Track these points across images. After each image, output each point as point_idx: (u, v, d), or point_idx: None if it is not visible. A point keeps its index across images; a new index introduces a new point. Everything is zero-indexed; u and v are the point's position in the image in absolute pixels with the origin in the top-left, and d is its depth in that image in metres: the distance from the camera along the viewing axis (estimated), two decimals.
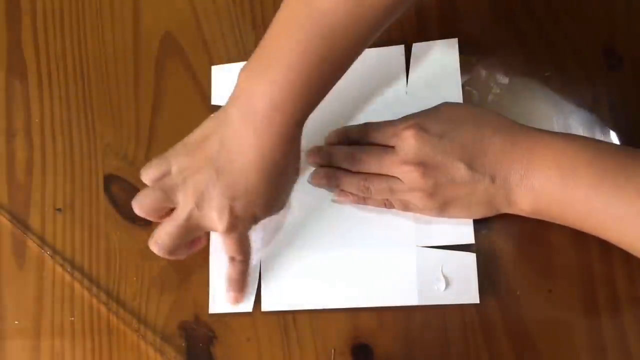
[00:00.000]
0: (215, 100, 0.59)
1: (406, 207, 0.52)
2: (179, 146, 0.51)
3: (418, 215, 0.53)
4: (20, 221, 0.60)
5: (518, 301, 0.51)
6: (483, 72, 0.55)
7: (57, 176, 0.61)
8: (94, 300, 0.57)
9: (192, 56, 0.61)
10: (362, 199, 0.54)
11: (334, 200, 0.55)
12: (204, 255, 0.56)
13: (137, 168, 0.59)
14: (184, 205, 0.49)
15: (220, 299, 0.55)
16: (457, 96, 0.55)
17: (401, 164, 0.50)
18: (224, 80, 0.59)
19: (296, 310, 0.54)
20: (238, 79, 0.48)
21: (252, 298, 0.55)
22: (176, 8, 0.62)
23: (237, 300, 0.54)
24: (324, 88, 0.48)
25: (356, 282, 0.53)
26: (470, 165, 0.49)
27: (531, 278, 0.51)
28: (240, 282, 0.54)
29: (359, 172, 0.53)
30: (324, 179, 0.54)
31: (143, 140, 0.60)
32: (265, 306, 0.54)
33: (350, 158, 0.53)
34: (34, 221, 0.60)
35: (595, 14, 0.55)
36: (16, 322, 0.58)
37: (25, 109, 0.63)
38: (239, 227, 0.50)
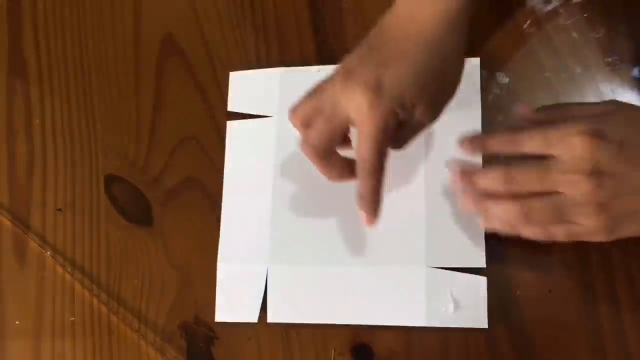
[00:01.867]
0: (232, 106, 0.59)
1: (570, 233, 0.45)
2: (332, 74, 0.47)
3: (430, 234, 0.52)
4: (21, 221, 0.60)
5: (518, 301, 0.51)
6: (483, 72, 0.56)
7: (57, 176, 0.61)
8: (95, 300, 0.58)
9: (193, 57, 0.61)
10: (515, 227, 0.46)
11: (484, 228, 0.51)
12: (204, 254, 0.57)
13: (137, 168, 0.59)
14: (330, 95, 0.46)
15: (226, 307, 0.55)
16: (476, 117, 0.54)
17: (570, 173, 0.43)
18: (242, 86, 0.59)
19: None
20: None
21: (258, 308, 0.54)
22: (176, 9, 0.62)
23: (370, 221, 0.47)
24: None
25: (363, 299, 0.53)
26: None
27: (531, 278, 0.51)
28: (371, 198, 0.46)
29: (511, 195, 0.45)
30: (472, 205, 0.47)
31: (144, 141, 0.60)
32: (271, 317, 0.54)
33: (502, 179, 0.45)
34: (35, 221, 0.60)
35: (595, 14, 0.55)
36: (17, 322, 0.58)
37: (26, 110, 0.63)
38: (383, 104, 0.44)
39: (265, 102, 0.58)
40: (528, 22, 0.56)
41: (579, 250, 0.51)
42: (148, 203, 0.59)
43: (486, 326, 0.50)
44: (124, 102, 0.61)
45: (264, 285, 0.55)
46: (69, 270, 0.58)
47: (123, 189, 0.60)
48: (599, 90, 0.54)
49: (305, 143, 0.47)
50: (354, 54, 0.47)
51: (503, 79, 0.55)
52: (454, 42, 0.46)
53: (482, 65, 0.55)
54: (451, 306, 0.51)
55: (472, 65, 0.55)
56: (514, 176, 0.45)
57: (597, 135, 0.43)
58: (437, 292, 0.51)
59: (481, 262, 0.51)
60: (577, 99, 0.54)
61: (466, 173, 0.47)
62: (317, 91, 0.48)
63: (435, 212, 0.53)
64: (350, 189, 0.48)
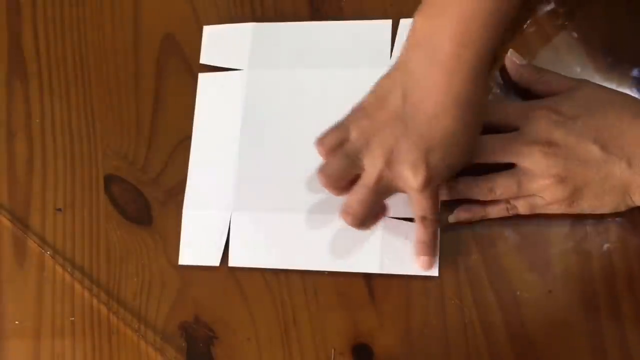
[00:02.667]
0: (204, 59, 0.61)
1: (533, 206, 0.50)
2: (355, 111, 0.49)
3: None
4: (20, 221, 0.60)
5: (518, 301, 0.51)
6: None
7: (57, 176, 0.61)
8: (94, 300, 0.57)
9: (193, 56, 0.61)
10: (483, 211, 0.51)
11: (452, 221, 0.53)
12: None
13: (137, 168, 0.59)
14: (372, 168, 0.48)
15: (189, 251, 0.57)
16: None
17: (529, 144, 0.48)
18: (215, 40, 0.61)
19: (265, 270, 0.55)
20: (413, 24, 0.47)
21: (220, 253, 0.56)
22: (176, 9, 0.62)
23: (430, 264, 0.51)
24: (510, 13, 0.45)
25: (322, 246, 0.54)
26: (605, 147, 0.46)
27: (531, 278, 0.51)
28: (433, 244, 0.51)
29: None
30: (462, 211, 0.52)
31: (143, 141, 0.60)
32: (233, 262, 0.56)
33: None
34: (34, 221, 0.60)
35: (595, 14, 0.55)
36: (16, 322, 0.58)
37: (26, 109, 0.63)
38: (435, 181, 0.48)
39: (236, 56, 0.60)
40: (528, 22, 0.56)
41: (579, 250, 0.51)
42: (148, 203, 0.59)
43: (437, 274, 0.52)
44: (124, 102, 0.61)
45: (227, 230, 0.56)
46: (68, 270, 0.58)
47: (123, 189, 0.60)
48: None
49: (321, 171, 0.50)
50: (379, 113, 0.48)
51: (498, 78, 0.55)
52: (485, 94, 0.49)
53: None
54: (404, 255, 0.52)
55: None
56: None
57: (554, 111, 0.48)
58: (393, 241, 0.53)
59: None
60: None
61: (450, 187, 0.51)
62: (344, 128, 0.50)
63: None
64: (312, 142, 0.51)
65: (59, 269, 0.59)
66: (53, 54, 0.64)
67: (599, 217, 0.51)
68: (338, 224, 0.53)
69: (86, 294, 0.58)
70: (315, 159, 0.51)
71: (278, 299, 0.55)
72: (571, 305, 0.51)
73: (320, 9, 0.60)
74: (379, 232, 0.53)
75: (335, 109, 0.51)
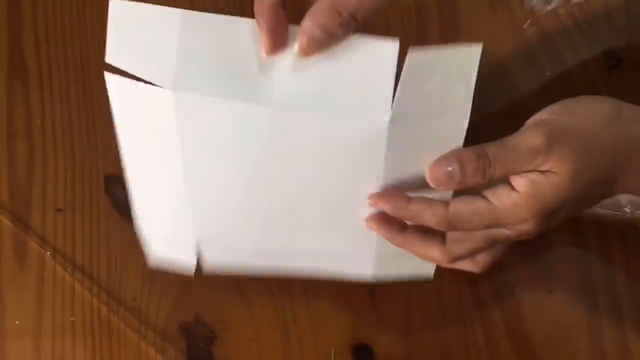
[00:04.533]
0: (111, 58, 0.45)
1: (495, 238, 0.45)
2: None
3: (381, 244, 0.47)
4: (21, 221, 0.60)
5: (518, 301, 0.51)
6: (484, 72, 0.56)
7: (58, 176, 0.61)
8: (95, 301, 0.58)
9: None
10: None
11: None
12: None
13: None
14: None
15: (158, 253, 0.52)
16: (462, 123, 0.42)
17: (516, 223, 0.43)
18: (127, 29, 0.45)
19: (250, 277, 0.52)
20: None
21: (195, 259, 0.51)
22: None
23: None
24: None
25: (309, 254, 0.49)
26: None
27: (531, 278, 0.51)
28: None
29: None
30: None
31: None
32: (208, 269, 0.51)
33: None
34: (35, 221, 0.60)
35: (595, 14, 0.55)
36: (17, 322, 0.58)
37: (26, 110, 0.63)
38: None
39: (157, 63, 0.43)
40: (528, 22, 0.56)
41: (579, 250, 0.51)
42: None
43: (431, 278, 0.48)
44: None
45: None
46: (69, 270, 0.58)
47: (123, 189, 0.59)
48: (598, 90, 0.54)
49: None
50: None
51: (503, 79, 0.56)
52: None
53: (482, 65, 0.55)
54: (398, 259, 0.47)
55: (472, 54, 0.40)
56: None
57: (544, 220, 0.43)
58: (385, 248, 0.46)
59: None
60: None
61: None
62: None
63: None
64: (278, 179, 0.45)
65: (59, 269, 0.59)
66: (53, 54, 0.64)
67: (600, 217, 0.51)
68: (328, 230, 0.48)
69: (86, 294, 0.58)
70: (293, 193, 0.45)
71: (278, 299, 0.55)
72: (571, 305, 0.51)
73: None
74: (373, 236, 0.46)
75: (310, 165, 0.43)
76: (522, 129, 0.43)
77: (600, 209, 0.52)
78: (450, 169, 0.41)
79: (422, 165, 0.42)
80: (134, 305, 0.57)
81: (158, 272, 0.57)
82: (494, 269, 0.51)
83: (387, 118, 0.40)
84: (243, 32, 0.41)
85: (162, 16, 0.42)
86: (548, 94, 0.54)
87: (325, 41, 0.40)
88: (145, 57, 0.43)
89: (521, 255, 0.52)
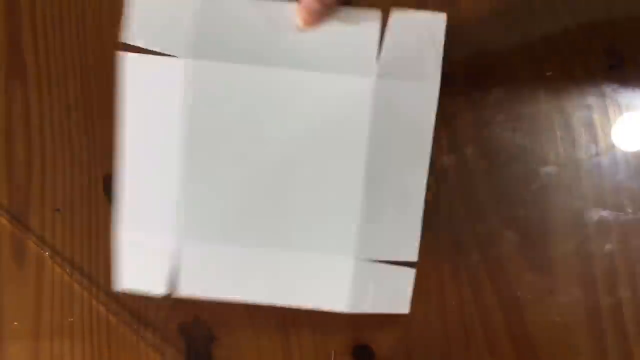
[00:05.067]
0: (128, 37, 0.48)
1: None
2: None
3: (363, 223, 0.47)
4: (19, 221, 0.60)
5: (518, 302, 0.51)
6: (484, 74, 0.56)
7: (56, 176, 0.61)
8: (94, 301, 0.57)
9: None
10: None
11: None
12: None
13: None
14: None
15: (130, 276, 0.50)
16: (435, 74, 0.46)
17: None
18: (146, 10, 0.47)
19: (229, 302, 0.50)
20: None
21: (165, 280, 0.49)
22: None
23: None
24: None
25: (283, 282, 0.48)
26: None
27: (531, 279, 0.51)
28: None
29: None
30: None
31: None
32: (183, 290, 0.49)
33: None
34: (34, 221, 0.60)
35: (596, 12, 0.55)
36: (15, 323, 0.58)
37: (25, 110, 0.63)
38: None
39: (173, 37, 0.47)
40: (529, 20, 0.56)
41: (581, 250, 0.51)
42: None
43: (407, 311, 0.48)
44: None
45: (173, 256, 0.49)
46: (67, 270, 0.58)
47: None
48: (600, 90, 0.54)
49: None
50: None
51: (504, 78, 0.55)
52: None
53: (482, 64, 0.55)
54: (375, 295, 0.48)
55: (437, 21, 0.46)
56: None
57: None
58: (363, 284, 0.48)
59: (413, 257, 0.48)
60: (578, 98, 0.54)
61: None
62: None
63: (371, 199, 0.47)
64: (275, 163, 0.47)
65: (57, 270, 0.59)
66: (52, 54, 0.64)
67: (601, 217, 0.51)
68: (305, 262, 0.48)
69: (85, 294, 0.58)
70: (280, 184, 0.47)
71: None
72: (572, 306, 0.50)
73: None
74: (348, 276, 0.48)
75: (305, 124, 0.46)
76: None
77: (602, 209, 0.52)
78: None
79: (404, 119, 0.47)
80: (133, 305, 0.57)
81: None
82: (496, 271, 0.51)
83: (374, 71, 0.46)
84: (255, 9, 0.46)
85: None
86: (549, 93, 0.54)
87: (324, 12, 0.45)
88: (162, 32, 0.46)
89: (522, 256, 0.52)
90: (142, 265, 0.50)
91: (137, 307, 0.57)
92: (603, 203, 0.52)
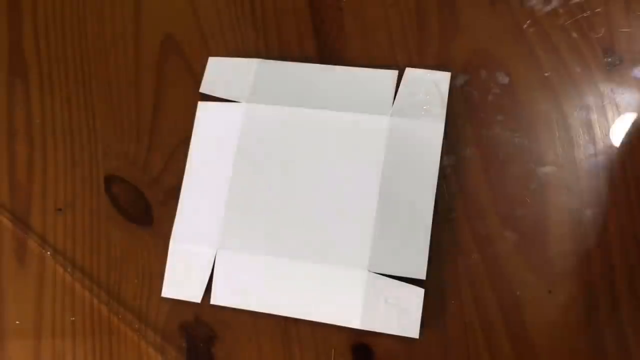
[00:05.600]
0: (204, 88, 0.60)
1: None
2: None
3: (377, 239, 0.53)
4: (21, 221, 0.60)
5: (518, 301, 0.51)
6: (483, 72, 0.56)
7: (58, 176, 0.61)
8: (95, 301, 0.58)
9: (192, 58, 0.61)
10: None
11: None
12: None
13: (137, 168, 0.59)
14: None
15: (173, 284, 0.56)
16: (438, 137, 0.54)
17: None
18: (218, 71, 0.60)
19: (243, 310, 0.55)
20: None
21: (202, 290, 0.55)
22: (176, 9, 0.62)
23: None
24: None
25: (303, 294, 0.54)
26: None
27: (531, 279, 0.51)
28: None
29: None
30: None
31: (144, 141, 0.60)
32: (214, 300, 0.55)
33: None
34: (35, 221, 0.60)
35: (595, 13, 0.55)
36: (17, 322, 0.59)
37: (26, 110, 0.63)
38: None
39: (237, 88, 0.59)
40: (528, 22, 0.56)
41: (579, 251, 0.51)
42: (148, 203, 0.59)
43: (417, 336, 0.51)
44: (124, 102, 0.61)
45: (211, 268, 0.56)
46: (69, 270, 0.59)
47: (123, 189, 0.60)
48: (598, 90, 0.54)
49: None
50: None
51: (503, 78, 0.55)
52: None
53: (481, 64, 0.56)
54: (386, 313, 0.52)
55: (443, 78, 0.56)
56: None
57: None
58: (376, 298, 0.52)
59: (421, 275, 0.52)
60: (577, 99, 0.54)
61: None
62: None
63: (384, 218, 0.54)
64: (306, 187, 0.55)
65: (59, 269, 0.59)
66: (54, 54, 0.64)
67: (599, 219, 0.51)
68: (323, 273, 0.53)
69: (87, 294, 0.58)
70: (306, 204, 0.55)
71: None
72: (571, 305, 0.51)
73: (320, 9, 0.60)
74: (361, 288, 0.52)
75: (332, 152, 0.56)
76: None
77: (600, 209, 0.52)
78: None
79: (414, 149, 0.55)
80: (134, 305, 0.57)
81: (157, 272, 0.57)
82: (495, 271, 0.52)
83: (389, 112, 0.56)
84: (296, 69, 0.59)
85: (244, 61, 0.60)
86: (548, 94, 0.54)
87: None
88: (229, 85, 0.60)
89: (522, 257, 0.52)
90: (184, 275, 0.56)
91: (139, 306, 0.57)
92: (601, 203, 0.52)
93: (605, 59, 0.54)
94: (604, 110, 0.54)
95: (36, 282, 0.59)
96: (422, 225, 0.53)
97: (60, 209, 0.60)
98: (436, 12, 0.58)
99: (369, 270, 0.53)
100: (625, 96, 0.53)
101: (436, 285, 0.52)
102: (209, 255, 0.56)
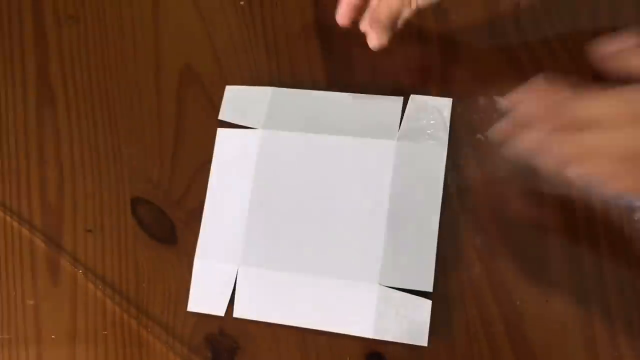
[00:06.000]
0: (223, 116, 0.64)
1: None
2: None
3: (387, 253, 0.57)
4: (53, 242, 0.64)
5: (517, 310, 0.55)
6: (481, 99, 0.60)
7: (87, 199, 0.65)
8: (125, 315, 0.61)
9: (210, 86, 0.65)
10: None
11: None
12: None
13: (161, 191, 0.63)
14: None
15: (198, 299, 0.60)
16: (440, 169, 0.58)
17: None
18: (235, 99, 0.64)
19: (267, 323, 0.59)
20: None
21: (226, 303, 0.59)
22: (194, 40, 0.66)
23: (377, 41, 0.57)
24: None
25: (320, 306, 0.58)
26: None
27: (530, 289, 0.55)
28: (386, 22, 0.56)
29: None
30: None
31: (166, 165, 0.64)
32: (237, 313, 0.59)
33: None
34: (67, 242, 0.64)
35: (585, 40, 0.59)
36: (52, 337, 0.62)
37: (55, 137, 0.67)
38: None
39: (253, 115, 0.63)
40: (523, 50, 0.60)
41: (574, 264, 0.55)
42: (172, 223, 0.63)
43: (426, 344, 0.55)
44: (147, 129, 0.65)
45: (233, 283, 0.59)
46: (100, 287, 0.62)
47: (148, 210, 0.63)
48: None
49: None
50: None
51: (501, 103, 0.59)
52: None
53: (479, 90, 0.60)
54: (397, 323, 0.56)
55: (445, 104, 0.60)
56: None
57: None
58: (387, 309, 0.56)
59: (429, 287, 0.56)
60: None
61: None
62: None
63: (393, 235, 0.58)
64: (319, 207, 0.59)
65: (91, 286, 0.63)
66: (79, 84, 0.67)
67: (593, 231, 0.55)
68: (338, 286, 0.57)
69: (117, 309, 0.62)
70: (320, 221, 0.59)
71: None
72: (567, 314, 0.54)
73: (330, 38, 0.64)
74: (373, 300, 0.56)
75: (343, 174, 0.60)
76: None
77: (595, 220, 0.56)
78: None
79: (419, 172, 0.59)
80: (162, 318, 0.61)
81: (183, 288, 0.61)
82: (496, 282, 0.55)
83: (395, 136, 0.60)
84: (308, 97, 0.63)
85: (259, 89, 0.64)
86: None
87: (388, 27, 0.56)
88: (245, 112, 0.63)
89: (521, 270, 0.56)
90: (208, 289, 0.61)
91: (166, 320, 0.61)
92: (596, 215, 0.56)
93: (595, 78, 0.58)
94: None
95: (69, 298, 0.63)
96: (429, 241, 0.57)
97: (90, 230, 0.64)
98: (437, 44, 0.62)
99: (380, 284, 0.56)
100: None
101: (443, 297, 0.56)
102: (232, 271, 0.60)
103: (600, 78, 0.57)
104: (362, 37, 0.58)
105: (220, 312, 0.59)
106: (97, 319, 0.62)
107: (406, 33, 0.61)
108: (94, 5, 0.69)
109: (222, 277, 0.60)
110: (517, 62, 0.60)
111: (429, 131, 0.59)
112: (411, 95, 0.60)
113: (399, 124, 0.60)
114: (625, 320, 0.53)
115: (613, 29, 0.58)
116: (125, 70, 0.67)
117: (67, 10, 0.70)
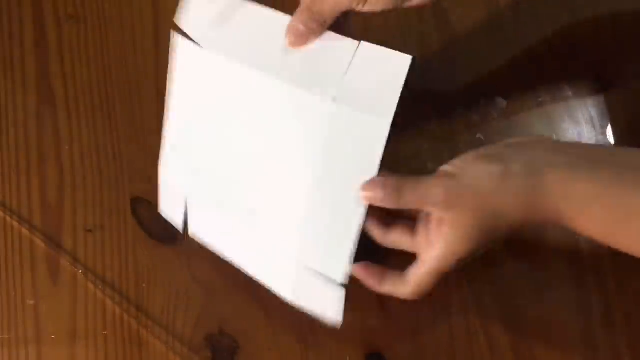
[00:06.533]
0: (178, 20, 0.58)
1: None
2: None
3: (307, 230, 0.54)
4: (53, 242, 0.64)
5: (518, 309, 0.55)
6: (482, 99, 0.60)
7: (87, 199, 0.64)
8: (125, 315, 0.61)
9: None
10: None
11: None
12: (226, 270, 0.60)
13: None
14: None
15: (165, 206, 0.61)
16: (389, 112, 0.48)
17: None
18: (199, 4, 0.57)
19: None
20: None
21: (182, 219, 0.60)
22: None
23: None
24: None
25: (250, 249, 0.57)
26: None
27: (530, 293, 0.55)
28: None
29: None
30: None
31: None
32: (191, 230, 0.60)
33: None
34: (66, 242, 0.64)
35: (585, 40, 0.59)
36: (53, 336, 0.62)
37: (55, 137, 0.66)
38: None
39: (201, 27, 0.56)
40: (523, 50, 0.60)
41: (573, 267, 0.55)
42: (171, 223, 0.62)
43: (338, 326, 0.53)
44: (147, 129, 0.65)
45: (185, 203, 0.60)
46: (100, 287, 0.62)
47: (148, 210, 0.63)
48: (588, 112, 0.58)
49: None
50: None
51: (502, 103, 0.59)
52: None
53: (480, 92, 0.60)
54: (314, 297, 0.54)
55: (402, 62, 0.48)
56: None
57: None
58: (306, 278, 0.54)
59: (340, 277, 0.52)
60: (569, 121, 0.58)
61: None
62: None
63: (313, 215, 0.53)
64: (252, 149, 0.55)
65: (90, 286, 0.62)
66: (79, 84, 0.67)
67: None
68: (263, 236, 0.56)
69: (117, 309, 0.62)
70: (252, 162, 0.55)
71: (296, 311, 0.57)
72: (566, 311, 0.55)
73: None
74: (292, 268, 0.54)
75: (272, 125, 0.54)
76: (436, 173, 0.50)
77: None
78: (373, 194, 0.49)
79: (354, 147, 0.50)
80: (162, 318, 0.61)
81: (182, 288, 0.61)
82: (497, 284, 0.56)
83: (334, 92, 0.50)
84: (266, 20, 0.54)
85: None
86: (543, 118, 0.58)
87: (309, 35, 0.51)
88: (196, 20, 0.56)
89: (521, 274, 0.56)
90: (171, 200, 0.61)
91: (166, 320, 0.60)
92: None
93: (596, 83, 0.58)
94: (594, 130, 0.57)
95: (69, 298, 0.62)
96: (348, 233, 0.50)
97: (90, 230, 0.64)
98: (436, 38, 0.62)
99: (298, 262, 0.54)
100: (614, 118, 0.57)
101: (444, 299, 0.56)
102: (182, 193, 0.60)
103: (600, 78, 0.58)
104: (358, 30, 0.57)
105: (179, 228, 0.60)
106: (97, 318, 0.62)
107: (406, 32, 0.61)
108: (94, 5, 0.69)
109: (178, 196, 0.60)
110: (517, 62, 0.60)
111: (374, 95, 0.49)
112: (362, 42, 0.50)
113: (344, 74, 0.50)
114: (625, 320, 0.54)
115: (613, 29, 0.59)
116: (126, 70, 0.67)
117: (68, 10, 0.70)
